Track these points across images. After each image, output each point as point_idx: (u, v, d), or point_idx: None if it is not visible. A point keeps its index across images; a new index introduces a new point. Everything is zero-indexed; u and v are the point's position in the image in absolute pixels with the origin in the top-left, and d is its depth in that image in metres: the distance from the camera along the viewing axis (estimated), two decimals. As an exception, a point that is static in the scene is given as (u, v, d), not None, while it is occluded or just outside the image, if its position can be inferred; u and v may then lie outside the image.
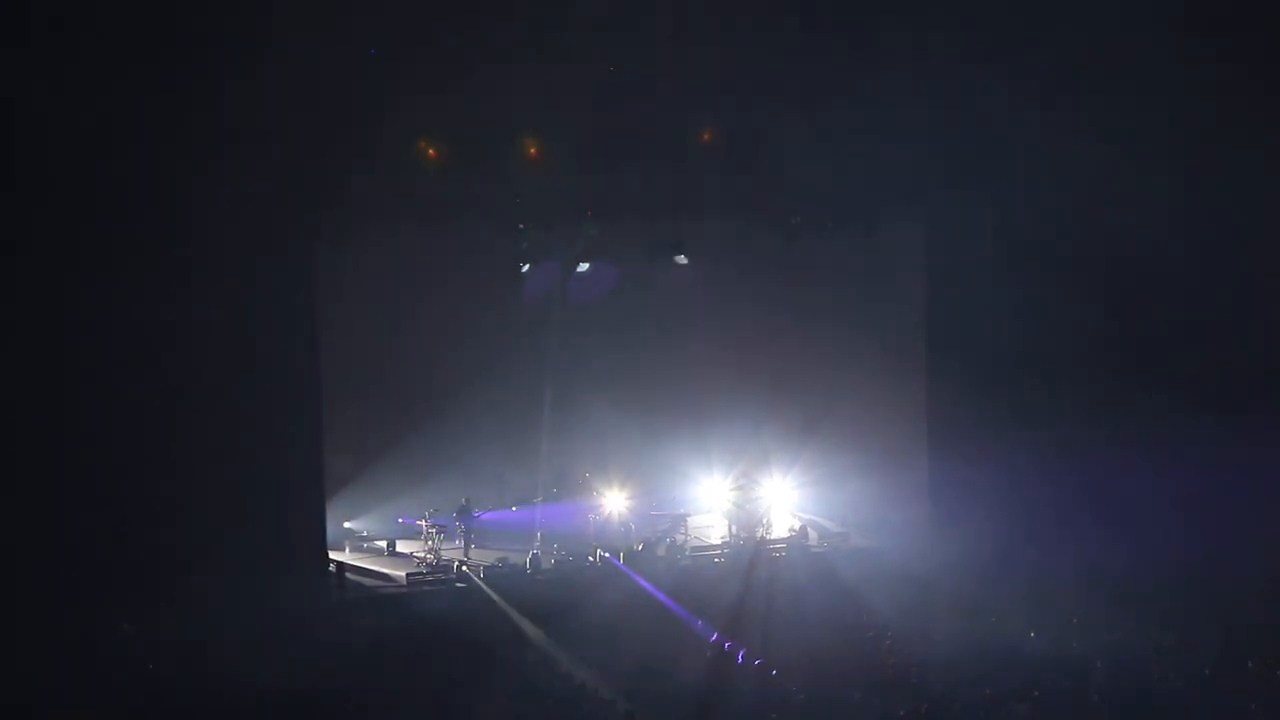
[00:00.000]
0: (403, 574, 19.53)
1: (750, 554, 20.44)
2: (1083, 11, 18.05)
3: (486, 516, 20.76)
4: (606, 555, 20.04)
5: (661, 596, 18.83)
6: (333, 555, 19.74)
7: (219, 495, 16.83)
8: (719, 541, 21.36)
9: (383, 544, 21.19)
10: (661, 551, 20.54)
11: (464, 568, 19.47)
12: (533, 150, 18.72)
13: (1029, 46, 18.20)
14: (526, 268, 21.90)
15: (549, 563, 20.09)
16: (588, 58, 17.79)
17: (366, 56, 17.01)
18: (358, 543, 21.56)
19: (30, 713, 14.22)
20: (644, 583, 19.15)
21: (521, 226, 20.58)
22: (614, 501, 21.46)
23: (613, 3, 17.60)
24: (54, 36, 15.65)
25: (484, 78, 17.54)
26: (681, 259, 21.68)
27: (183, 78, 16.24)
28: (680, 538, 21.07)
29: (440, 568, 19.64)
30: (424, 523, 20.54)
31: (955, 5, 18.25)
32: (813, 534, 21.80)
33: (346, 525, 21.66)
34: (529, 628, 17.73)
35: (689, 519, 21.85)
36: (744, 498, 22.02)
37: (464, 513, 20.43)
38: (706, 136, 19.28)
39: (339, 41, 16.68)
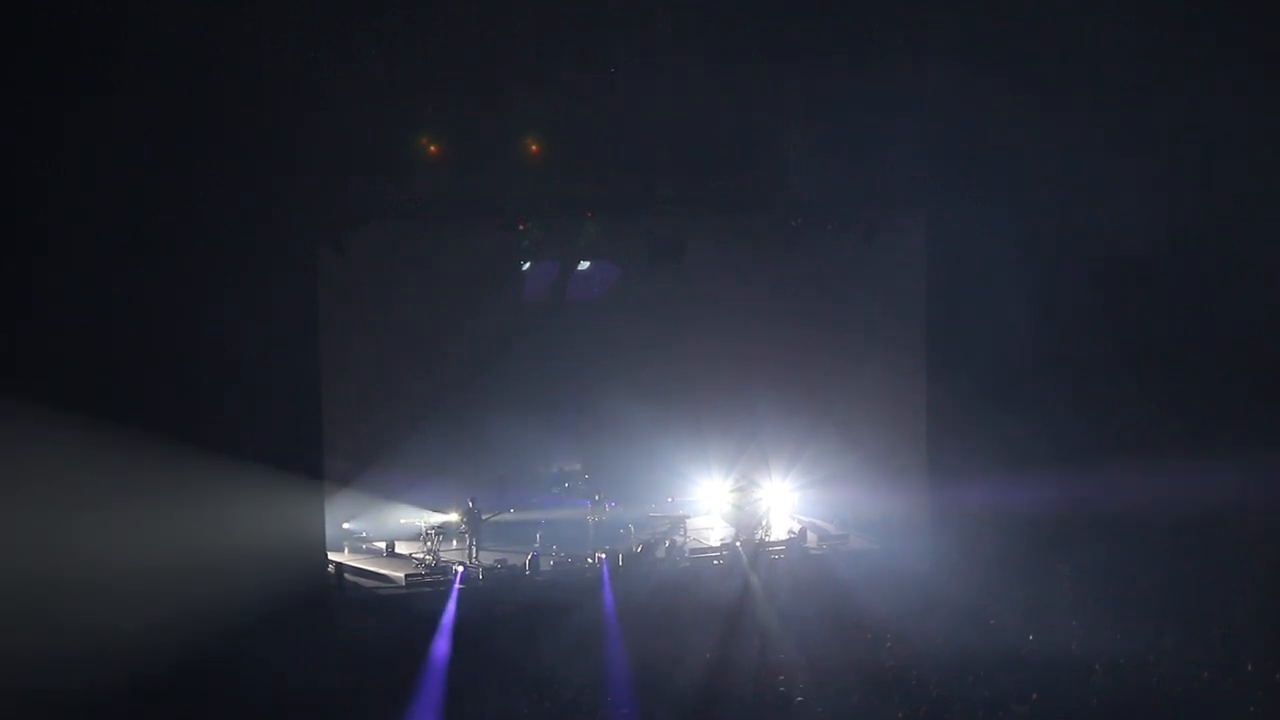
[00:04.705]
0: (401, 575, 19.54)
1: (749, 555, 20.43)
2: (1082, 10, 18.05)
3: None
4: (603, 557, 20.04)
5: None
6: (332, 556, 19.76)
7: (218, 495, 16.80)
8: (718, 544, 21.34)
9: (381, 545, 21.19)
10: (660, 554, 20.54)
11: (461, 568, 19.49)
12: (534, 149, 18.74)
13: (1029, 46, 18.22)
14: (527, 266, 21.94)
15: (548, 564, 20.08)
16: (589, 58, 17.80)
17: (367, 55, 17.04)
18: (357, 544, 21.56)
19: (30, 712, 14.22)
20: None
21: (522, 226, 20.58)
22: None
23: (614, 4, 17.63)
24: (54, 36, 15.64)
25: (484, 77, 17.58)
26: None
27: (184, 79, 16.25)
28: (679, 540, 21.07)
29: (439, 569, 19.64)
30: (422, 523, 20.55)
31: (955, 5, 18.27)
32: (812, 536, 21.80)
33: (345, 526, 21.66)
34: (527, 629, 17.71)
35: (688, 521, 21.87)
36: (743, 500, 22.03)
37: (471, 515, 20.44)
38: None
39: (339, 41, 16.73)
